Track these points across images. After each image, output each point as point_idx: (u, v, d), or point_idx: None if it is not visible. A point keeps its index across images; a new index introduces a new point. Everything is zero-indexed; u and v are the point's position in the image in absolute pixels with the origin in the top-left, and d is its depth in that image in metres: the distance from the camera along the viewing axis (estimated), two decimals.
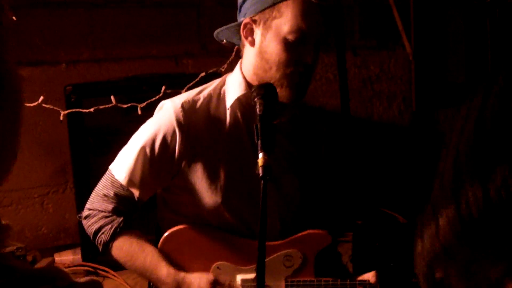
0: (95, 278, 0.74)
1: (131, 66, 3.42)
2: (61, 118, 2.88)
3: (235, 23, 2.00)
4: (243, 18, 1.95)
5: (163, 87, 2.90)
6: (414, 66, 4.16)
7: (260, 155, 1.65)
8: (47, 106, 2.86)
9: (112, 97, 2.84)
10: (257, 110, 1.77)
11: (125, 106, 2.89)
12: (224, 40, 2.11)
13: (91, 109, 2.87)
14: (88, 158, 3.05)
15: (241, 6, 1.98)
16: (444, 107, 4.31)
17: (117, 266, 2.43)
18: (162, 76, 3.26)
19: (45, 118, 3.11)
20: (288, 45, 1.88)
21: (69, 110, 2.92)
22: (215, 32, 2.08)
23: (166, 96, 2.79)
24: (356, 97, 4.16)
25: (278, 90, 1.88)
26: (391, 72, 4.28)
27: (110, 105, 2.85)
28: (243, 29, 1.95)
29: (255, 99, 1.80)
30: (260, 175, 1.61)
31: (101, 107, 2.87)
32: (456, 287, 0.70)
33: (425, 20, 4.13)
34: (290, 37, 1.87)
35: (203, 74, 2.98)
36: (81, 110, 2.92)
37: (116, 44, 3.39)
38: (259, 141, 1.68)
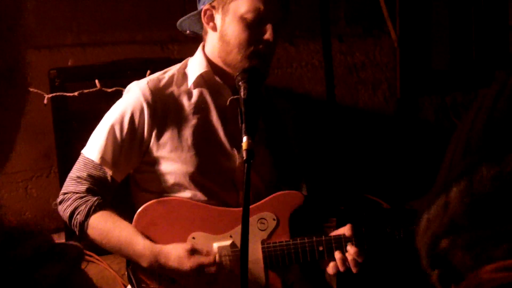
0: (77, 243, 0.75)
1: (116, 51, 3.41)
2: (45, 101, 2.87)
3: (195, 11, 2.05)
4: (203, 6, 1.99)
5: (148, 72, 2.89)
6: (399, 54, 4.18)
7: (244, 138, 1.67)
8: (31, 89, 2.83)
9: (96, 81, 2.84)
10: (241, 94, 1.79)
11: (109, 90, 2.88)
12: (188, 31, 2.16)
13: (76, 93, 2.86)
14: (72, 142, 3.04)
15: None
16: (428, 94, 4.34)
17: (102, 251, 2.43)
18: (147, 61, 3.25)
19: (29, 102, 3.09)
20: (246, 25, 1.93)
21: (53, 94, 2.91)
22: (178, 23, 2.13)
23: None
24: (341, 84, 4.17)
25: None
26: (376, 59, 4.30)
27: (94, 89, 2.85)
28: (204, 15, 2.00)
29: (239, 83, 1.82)
30: (244, 158, 1.63)
31: (85, 91, 2.86)
32: (460, 262, 0.72)
33: (410, 8, 4.15)
34: (248, 16, 1.92)
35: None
36: (65, 94, 2.90)
37: (101, 28, 3.38)
38: (243, 125, 1.70)
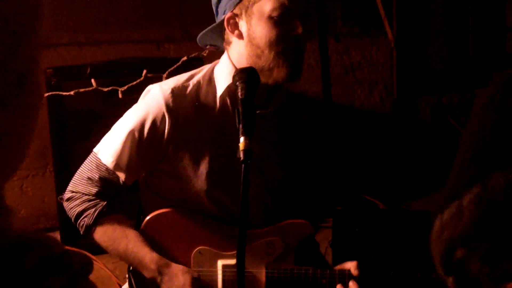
0: (86, 253, 0.74)
1: (112, 50, 3.40)
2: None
3: (216, 23, 2.00)
4: (224, 16, 1.95)
5: (144, 71, 2.88)
6: (396, 53, 4.18)
7: (242, 139, 1.64)
8: None
9: (92, 80, 2.83)
10: (239, 94, 1.76)
11: (106, 89, 2.87)
12: (208, 46, 2.12)
13: (72, 92, 2.85)
14: (68, 141, 3.03)
15: (217, 8, 1.99)
16: (425, 94, 4.34)
17: (97, 250, 2.42)
18: (143, 60, 3.24)
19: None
20: (274, 23, 1.89)
21: (49, 93, 2.90)
22: (198, 38, 2.09)
23: (147, 80, 2.78)
24: (338, 83, 4.18)
25: (275, 71, 1.88)
26: (373, 59, 4.30)
27: (90, 88, 2.84)
28: (227, 24, 1.95)
29: (237, 83, 1.80)
30: (241, 159, 1.61)
31: (81, 90, 2.85)
32: (477, 275, 0.70)
33: (407, 8, 4.15)
34: (274, 14, 1.88)
35: (184, 58, 2.97)
36: (61, 93, 2.89)
37: (97, 28, 3.37)
38: (241, 126, 1.68)
